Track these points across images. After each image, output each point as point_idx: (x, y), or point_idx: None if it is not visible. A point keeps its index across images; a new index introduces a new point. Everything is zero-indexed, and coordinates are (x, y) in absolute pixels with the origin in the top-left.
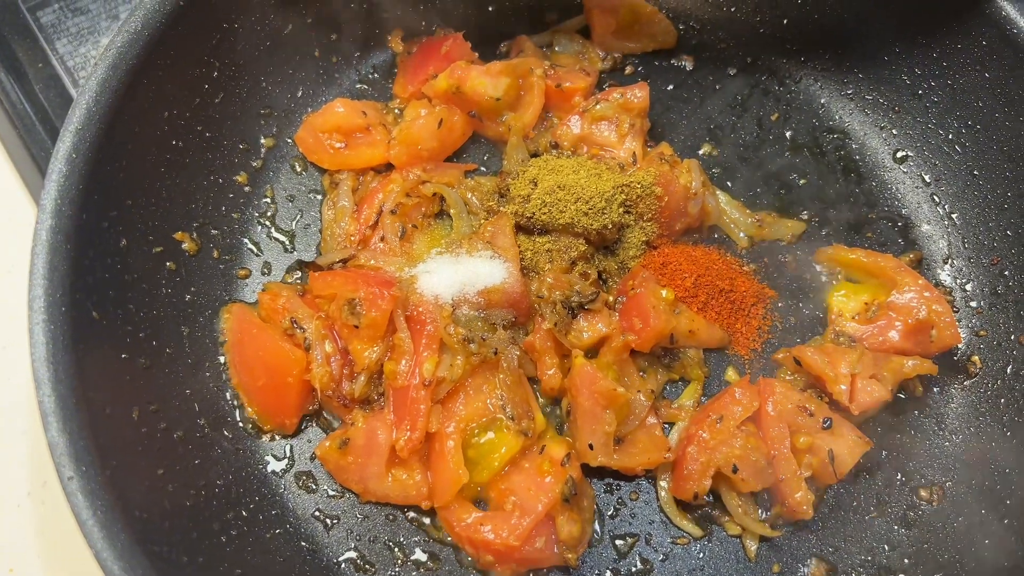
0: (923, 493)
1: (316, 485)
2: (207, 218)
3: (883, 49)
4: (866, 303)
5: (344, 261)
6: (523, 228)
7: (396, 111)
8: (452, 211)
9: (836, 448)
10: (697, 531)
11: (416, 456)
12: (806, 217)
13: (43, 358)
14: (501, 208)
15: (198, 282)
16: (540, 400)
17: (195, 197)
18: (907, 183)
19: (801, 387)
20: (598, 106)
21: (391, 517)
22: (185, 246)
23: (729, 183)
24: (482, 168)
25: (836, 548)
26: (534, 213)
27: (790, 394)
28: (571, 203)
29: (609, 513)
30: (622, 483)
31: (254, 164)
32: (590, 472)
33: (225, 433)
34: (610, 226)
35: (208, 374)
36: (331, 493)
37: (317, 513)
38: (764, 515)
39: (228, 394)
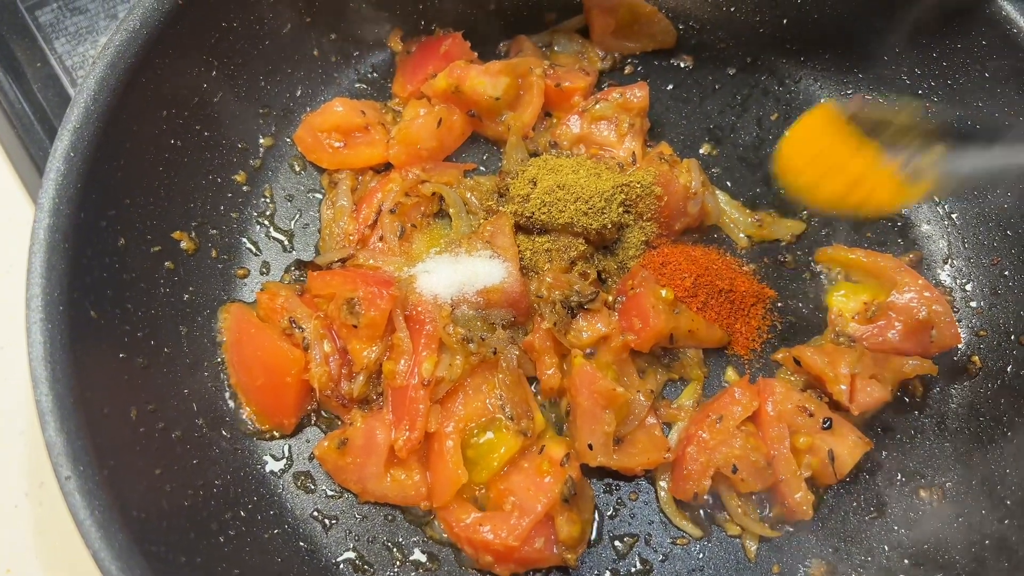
0: (923, 494)
1: (314, 485)
2: (205, 217)
3: (883, 49)
4: (866, 303)
5: (343, 261)
6: (522, 228)
7: (395, 111)
8: (451, 211)
9: (836, 448)
10: (697, 531)
11: (415, 456)
12: (805, 217)
13: (41, 357)
14: (500, 208)
15: (196, 281)
16: (539, 400)
17: (193, 196)
18: None
19: (801, 387)
20: (597, 106)
21: (390, 517)
22: (183, 245)
23: (729, 183)
24: (481, 168)
25: (836, 548)
26: (533, 213)
27: (790, 394)
28: (570, 203)
29: (608, 513)
30: (621, 483)
31: (253, 163)
32: (589, 472)
33: (223, 433)
34: (609, 226)
35: (206, 374)
36: (330, 493)
37: (315, 513)
38: (764, 515)
39: (226, 394)
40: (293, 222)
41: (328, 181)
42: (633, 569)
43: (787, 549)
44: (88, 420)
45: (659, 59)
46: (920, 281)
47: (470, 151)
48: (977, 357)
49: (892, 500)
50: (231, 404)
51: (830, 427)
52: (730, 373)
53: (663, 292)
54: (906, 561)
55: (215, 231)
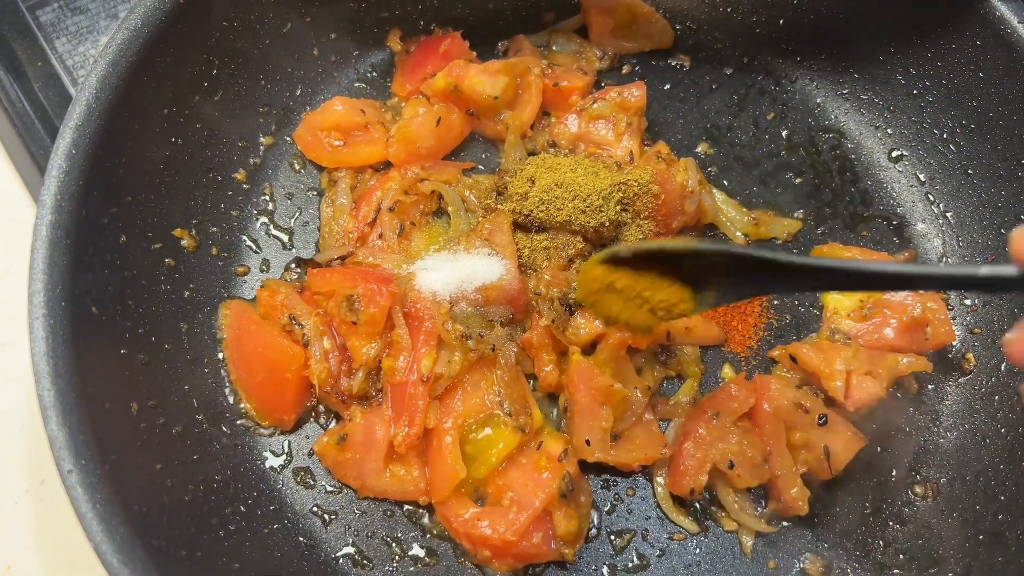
0: (918, 489)
1: (314, 481)
2: (206, 215)
3: (878, 49)
4: (861, 301)
5: (342, 258)
6: (521, 226)
7: (395, 109)
8: (450, 209)
9: (831, 444)
10: (693, 527)
11: (414, 452)
12: (802, 216)
13: (43, 352)
14: (499, 206)
15: (197, 279)
16: (537, 396)
17: (194, 194)
18: (902, 182)
19: (797, 384)
20: (595, 105)
21: (389, 513)
22: (184, 243)
23: (726, 181)
24: (480, 166)
25: (832, 544)
26: (532, 211)
27: (786, 391)
28: (568, 201)
29: (606, 509)
30: (619, 479)
31: (253, 162)
32: (587, 468)
33: (223, 429)
34: (607, 224)
35: (207, 370)
36: (329, 489)
37: (315, 508)
38: (760, 511)
39: (227, 390)
40: (293, 220)
41: (328, 179)
42: (630, 564)
43: (783, 545)
44: (90, 415)
45: (656, 59)
46: None
47: (469, 150)
48: (972, 354)
49: (887, 496)
50: (231, 400)
51: (826, 423)
52: (727, 370)
53: None
54: (901, 556)
55: (215, 229)
